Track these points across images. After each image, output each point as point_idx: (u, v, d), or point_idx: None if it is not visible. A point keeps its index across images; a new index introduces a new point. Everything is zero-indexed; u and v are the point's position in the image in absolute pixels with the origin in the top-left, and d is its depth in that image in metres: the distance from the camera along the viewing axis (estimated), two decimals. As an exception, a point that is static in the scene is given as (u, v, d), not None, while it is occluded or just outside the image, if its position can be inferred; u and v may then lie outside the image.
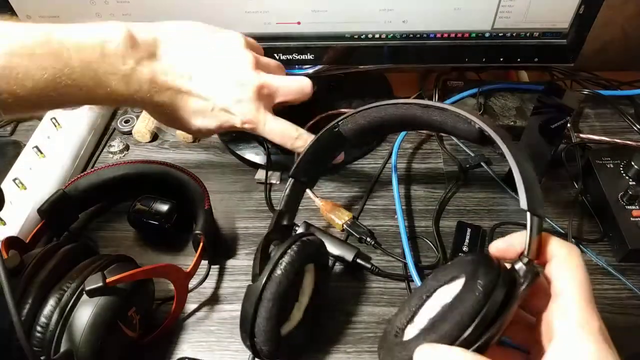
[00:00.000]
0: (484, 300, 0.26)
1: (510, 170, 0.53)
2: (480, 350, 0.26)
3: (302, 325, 0.41)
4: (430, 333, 0.27)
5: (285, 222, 0.43)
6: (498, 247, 0.30)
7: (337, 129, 0.42)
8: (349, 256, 0.48)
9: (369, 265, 0.48)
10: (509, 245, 0.30)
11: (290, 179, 0.43)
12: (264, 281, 0.36)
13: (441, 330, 0.27)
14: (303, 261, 0.39)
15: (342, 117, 0.42)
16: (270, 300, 0.36)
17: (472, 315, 0.26)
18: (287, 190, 0.43)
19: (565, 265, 0.27)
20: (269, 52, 0.55)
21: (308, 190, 0.56)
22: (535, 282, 0.27)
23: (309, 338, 0.43)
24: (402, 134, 0.59)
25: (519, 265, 0.28)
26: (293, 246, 0.38)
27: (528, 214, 0.28)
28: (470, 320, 0.26)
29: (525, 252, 0.28)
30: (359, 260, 0.48)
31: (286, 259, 0.37)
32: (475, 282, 0.27)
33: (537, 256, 0.28)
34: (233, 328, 0.46)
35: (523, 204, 0.28)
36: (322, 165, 0.46)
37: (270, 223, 0.42)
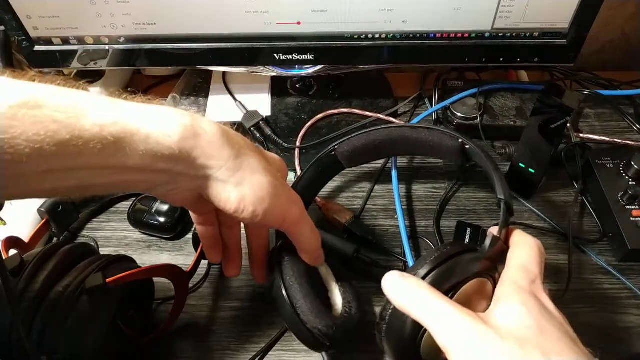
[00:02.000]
0: (450, 253, 0.34)
1: (510, 170, 0.53)
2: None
3: (346, 312, 0.41)
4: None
5: None
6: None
7: (333, 153, 0.46)
8: (349, 250, 0.48)
9: (369, 260, 0.48)
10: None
11: None
12: (280, 276, 0.39)
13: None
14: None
15: (337, 142, 0.47)
16: (294, 284, 0.38)
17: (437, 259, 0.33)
18: None
19: (516, 247, 0.34)
20: (269, 52, 0.55)
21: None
22: (494, 248, 0.34)
23: (359, 322, 0.41)
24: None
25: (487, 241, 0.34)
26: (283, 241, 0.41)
27: (502, 203, 0.35)
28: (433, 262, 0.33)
29: (497, 232, 0.35)
30: (359, 255, 0.48)
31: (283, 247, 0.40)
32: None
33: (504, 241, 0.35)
34: (233, 328, 0.46)
35: (500, 194, 0.36)
36: (317, 189, 0.50)
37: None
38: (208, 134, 0.31)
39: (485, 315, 0.30)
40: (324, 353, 0.43)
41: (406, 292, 0.31)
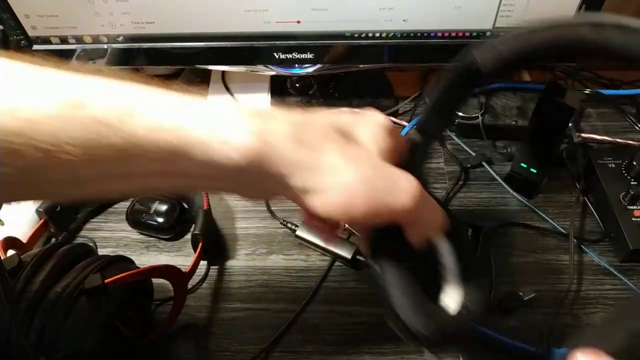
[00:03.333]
0: None
1: (512, 170, 0.53)
2: None
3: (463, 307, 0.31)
4: None
5: None
6: None
7: (473, 63, 0.32)
8: (348, 253, 0.48)
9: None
10: None
11: (418, 134, 0.35)
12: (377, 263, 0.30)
13: None
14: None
15: (477, 47, 0.32)
16: (392, 274, 0.30)
17: None
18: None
19: None
20: (268, 51, 0.55)
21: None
22: None
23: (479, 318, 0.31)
24: (403, 133, 0.58)
25: None
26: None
27: None
28: None
29: None
30: (358, 257, 0.48)
31: None
32: None
33: None
34: (232, 329, 0.46)
35: None
36: (450, 114, 0.37)
37: None
38: (277, 138, 0.26)
39: None
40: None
41: None
